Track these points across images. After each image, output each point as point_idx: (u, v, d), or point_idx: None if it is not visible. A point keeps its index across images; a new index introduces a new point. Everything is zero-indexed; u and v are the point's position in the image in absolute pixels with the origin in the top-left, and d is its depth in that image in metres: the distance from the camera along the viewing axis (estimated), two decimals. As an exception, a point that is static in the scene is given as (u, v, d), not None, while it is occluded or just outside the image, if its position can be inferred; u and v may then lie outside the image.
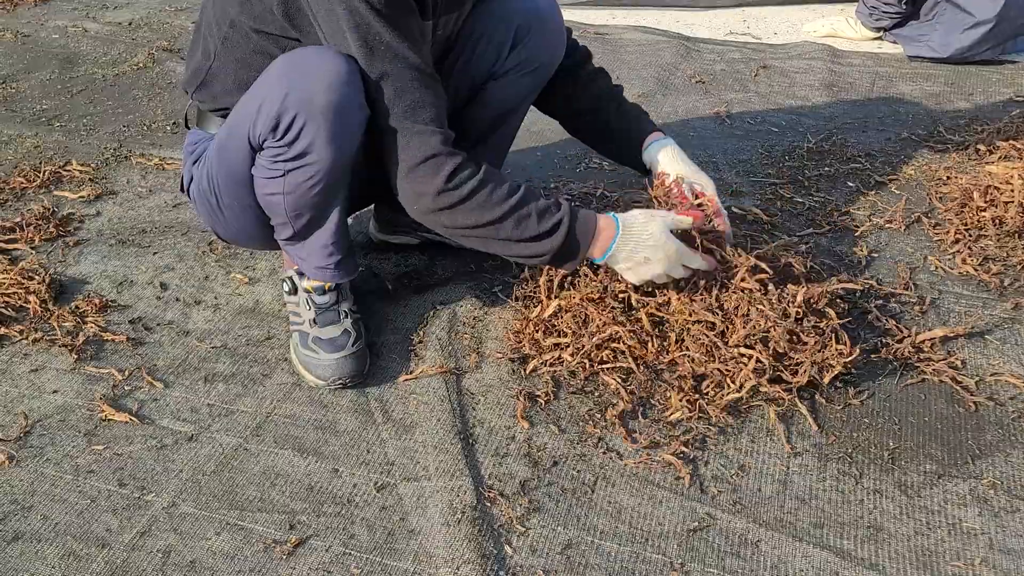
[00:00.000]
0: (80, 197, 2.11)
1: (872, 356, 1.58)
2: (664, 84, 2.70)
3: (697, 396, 1.47)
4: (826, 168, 2.21)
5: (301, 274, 1.60)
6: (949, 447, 1.42)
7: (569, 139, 2.35)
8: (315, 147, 1.38)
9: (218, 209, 1.57)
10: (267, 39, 1.46)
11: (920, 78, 2.72)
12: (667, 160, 1.66)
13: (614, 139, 1.77)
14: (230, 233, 1.64)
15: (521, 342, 1.60)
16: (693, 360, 1.49)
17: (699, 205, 1.58)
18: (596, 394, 1.52)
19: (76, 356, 1.62)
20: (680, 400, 1.47)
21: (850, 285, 1.70)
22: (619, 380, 1.51)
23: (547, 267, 1.61)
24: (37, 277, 1.77)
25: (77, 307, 1.74)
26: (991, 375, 1.55)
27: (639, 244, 1.46)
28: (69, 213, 2.06)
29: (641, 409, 1.47)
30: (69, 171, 2.22)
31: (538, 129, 2.36)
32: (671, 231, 1.47)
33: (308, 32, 1.41)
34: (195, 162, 1.61)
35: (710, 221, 1.56)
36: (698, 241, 1.52)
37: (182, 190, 1.68)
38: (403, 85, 1.37)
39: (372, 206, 1.91)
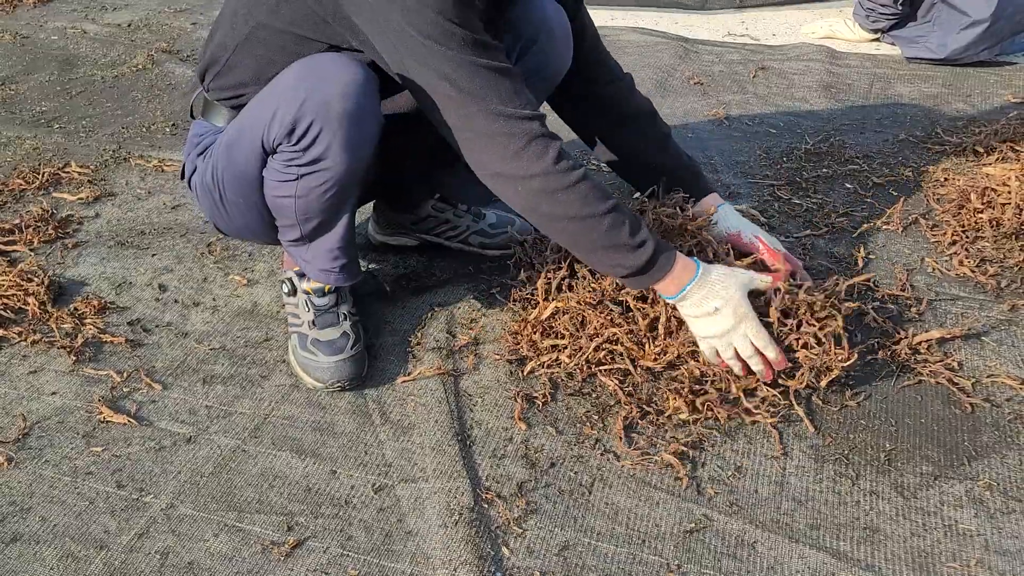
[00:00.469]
0: (79, 199, 2.12)
1: (869, 358, 1.58)
2: (662, 86, 2.71)
3: (695, 398, 1.48)
4: (824, 169, 2.21)
5: (301, 275, 1.60)
6: (945, 449, 1.42)
7: (566, 141, 2.36)
8: (330, 153, 1.38)
9: (221, 204, 1.57)
10: (302, 41, 1.44)
11: (918, 79, 2.72)
12: (742, 224, 1.68)
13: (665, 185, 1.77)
14: (231, 228, 1.64)
15: (519, 344, 1.61)
16: (688, 367, 1.50)
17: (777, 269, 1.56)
18: (594, 396, 1.53)
19: (75, 358, 1.62)
20: (679, 402, 1.47)
21: (857, 279, 1.69)
22: (617, 381, 1.51)
23: (551, 270, 1.62)
24: (36, 279, 1.78)
25: (76, 309, 1.74)
26: (987, 377, 1.55)
27: (712, 293, 1.43)
28: (68, 215, 2.06)
29: (639, 411, 1.48)
30: (68, 173, 2.22)
31: (536, 131, 2.36)
32: (749, 293, 1.45)
33: (364, 40, 1.40)
34: (200, 154, 1.61)
35: (790, 286, 1.51)
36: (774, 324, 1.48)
37: (182, 178, 1.68)
38: (493, 76, 1.36)
39: (371, 207, 1.91)
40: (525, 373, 1.57)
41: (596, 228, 1.41)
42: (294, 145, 1.39)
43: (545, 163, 1.38)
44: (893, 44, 2.95)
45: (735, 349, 1.45)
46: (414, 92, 1.39)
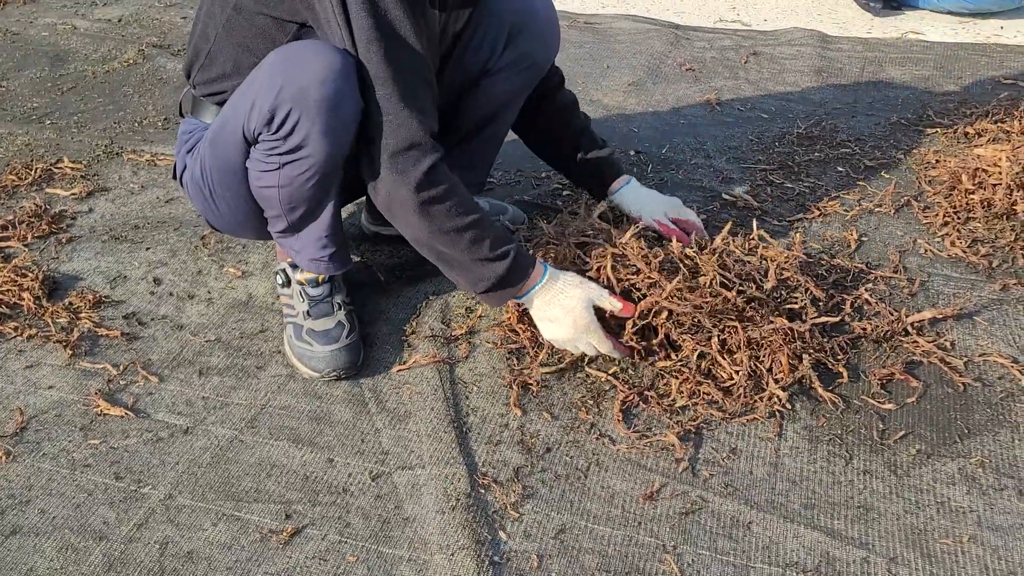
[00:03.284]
0: (72, 194, 2.12)
1: (862, 338, 1.59)
2: (654, 72, 2.71)
3: (697, 384, 1.48)
4: (816, 153, 2.22)
5: (294, 266, 1.61)
6: (938, 427, 1.43)
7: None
8: (310, 141, 1.38)
9: (211, 199, 1.57)
10: (273, 23, 1.45)
11: (909, 62, 2.72)
12: (642, 204, 1.75)
13: (583, 172, 1.83)
14: (223, 223, 1.64)
15: (514, 331, 1.61)
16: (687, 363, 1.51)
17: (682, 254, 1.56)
18: (589, 381, 1.53)
19: (71, 352, 1.62)
20: (680, 386, 1.48)
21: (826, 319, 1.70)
22: (607, 373, 1.52)
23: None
24: (30, 274, 1.78)
25: (71, 303, 1.74)
26: (979, 356, 1.56)
27: (552, 302, 1.46)
28: (61, 210, 2.06)
29: (639, 396, 1.48)
30: (61, 168, 2.22)
31: (529, 119, 2.36)
32: (596, 306, 1.46)
33: (317, 14, 1.40)
34: (189, 151, 1.61)
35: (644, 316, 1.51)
36: (628, 331, 1.50)
37: (174, 177, 1.68)
38: (400, 69, 1.36)
39: (364, 198, 1.91)
40: (520, 360, 1.57)
41: (459, 242, 1.42)
42: (274, 134, 1.39)
43: (416, 174, 1.38)
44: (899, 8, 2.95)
45: (582, 352, 1.50)
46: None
